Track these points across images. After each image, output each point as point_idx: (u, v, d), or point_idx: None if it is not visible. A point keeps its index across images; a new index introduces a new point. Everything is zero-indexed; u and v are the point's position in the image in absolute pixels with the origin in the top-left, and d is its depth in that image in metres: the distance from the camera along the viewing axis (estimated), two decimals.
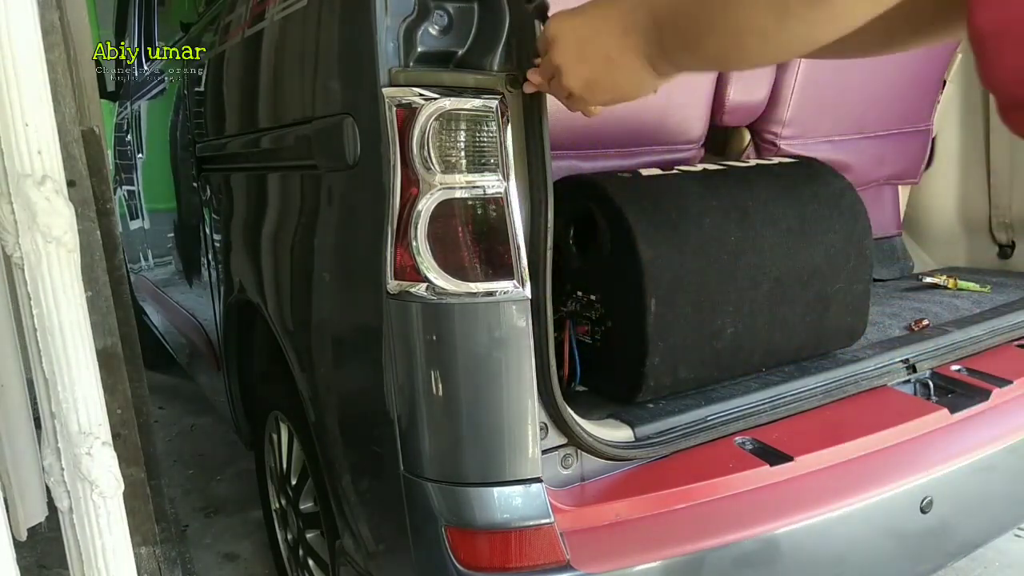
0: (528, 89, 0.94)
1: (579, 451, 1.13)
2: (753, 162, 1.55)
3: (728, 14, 0.60)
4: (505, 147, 0.96)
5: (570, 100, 0.88)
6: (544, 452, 1.07)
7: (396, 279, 0.98)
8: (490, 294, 0.97)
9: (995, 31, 0.52)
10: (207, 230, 1.88)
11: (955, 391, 1.44)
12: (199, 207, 1.91)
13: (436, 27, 0.95)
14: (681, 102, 1.59)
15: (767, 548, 1.12)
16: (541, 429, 1.04)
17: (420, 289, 0.96)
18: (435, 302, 0.96)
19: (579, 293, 1.34)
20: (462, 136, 0.94)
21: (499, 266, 0.97)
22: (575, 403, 1.12)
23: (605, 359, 1.32)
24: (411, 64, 0.95)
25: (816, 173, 1.50)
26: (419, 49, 0.95)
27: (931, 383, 1.47)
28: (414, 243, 0.95)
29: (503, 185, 0.96)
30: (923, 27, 0.78)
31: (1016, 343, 1.66)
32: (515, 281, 0.97)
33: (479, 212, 0.96)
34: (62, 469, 0.93)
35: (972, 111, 2.24)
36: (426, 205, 0.95)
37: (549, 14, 0.87)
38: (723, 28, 0.62)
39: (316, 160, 1.15)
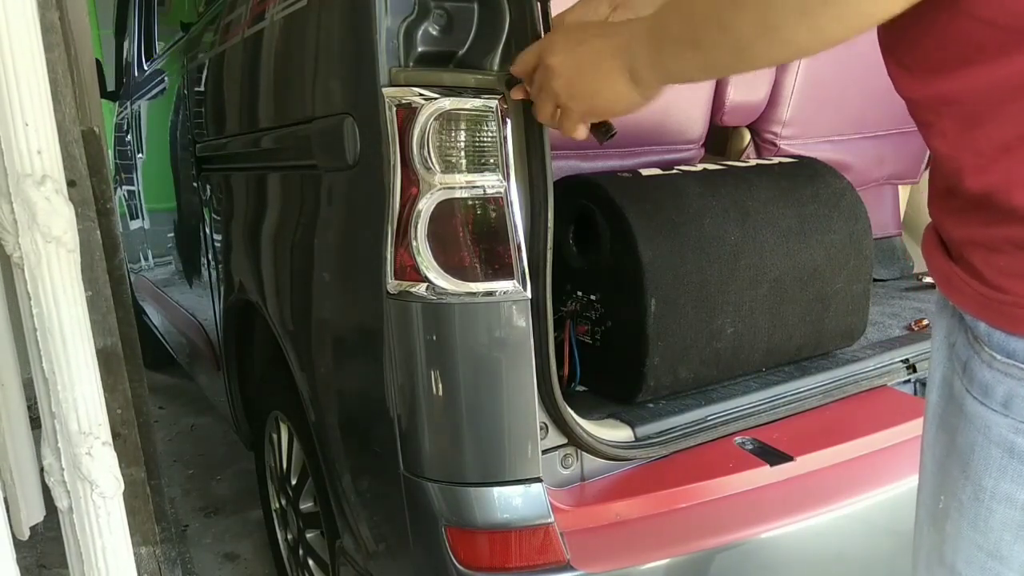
0: (516, 95, 0.92)
1: (579, 451, 1.13)
2: (753, 162, 1.55)
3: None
4: (505, 147, 0.96)
5: (552, 111, 0.85)
6: (544, 452, 1.07)
7: (396, 279, 0.98)
8: (490, 294, 0.97)
9: None
10: (207, 230, 1.88)
11: None
12: (199, 207, 1.91)
13: (436, 27, 0.95)
14: (681, 102, 1.59)
15: (767, 548, 1.12)
16: (541, 429, 1.04)
17: (420, 289, 0.96)
18: (435, 302, 0.96)
19: (579, 293, 1.34)
20: (462, 136, 0.94)
21: (499, 266, 0.97)
22: (575, 403, 1.12)
23: (605, 359, 1.32)
24: (411, 64, 0.95)
25: (816, 173, 1.50)
26: (419, 49, 0.95)
27: None
28: (414, 243, 0.95)
29: (503, 185, 0.96)
30: None
31: None
32: (515, 281, 0.97)
33: (479, 212, 0.96)
34: (62, 469, 0.93)
35: None
36: (426, 205, 0.95)
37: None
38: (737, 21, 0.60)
39: (316, 160, 1.15)
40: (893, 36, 0.59)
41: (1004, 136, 0.52)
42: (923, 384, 1.48)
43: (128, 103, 3.01)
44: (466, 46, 0.97)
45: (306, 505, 1.56)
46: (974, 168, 0.55)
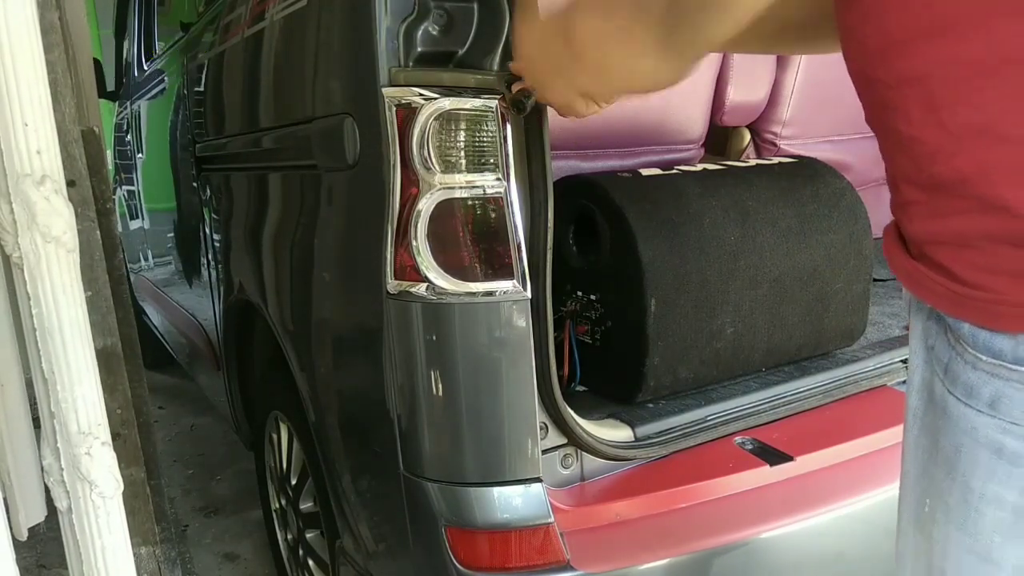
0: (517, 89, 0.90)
1: (579, 451, 1.13)
2: (753, 162, 1.55)
3: None
4: (505, 147, 0.96)
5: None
6: (544, 452, 1.06)
7: (396, 279, 0.98)
8: (490, 294, 0.97)
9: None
10: (207, 230, 1.88)
11: None
12: (199, 207, 1.91)
13: (436, 27, 0.95)
14: (681, 102, 1.59)
15: (767, 548, 1.12)
16: (541, 429, 1.04)
17: (420, 289, 0.96)
18: (435, 302, 0.96)
19: (579, 293, 1.34)
20: (462, 136, 0.94)
21: (499, 266, 0.97)
22: (575, 403, 1.12)
23: (605, 359, 1.32)
24: (411, 64, 0.95)
25: (816, 173, 1.50)
26: (419, 49, 0.95)
27: None
28: (414, 243, 0.95)
29: (503, 185, 0.96)
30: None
31: None
32: (515, 281, 0.97)
33: (479, 212, 0.96)
34: (61, 469, 0.93)
35: None
36: (426, 205, 0.95)
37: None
38: None
39: (316, 160, 1.15)
40: (850, 11, 0.57)
41: (978, 119, 0.49)
42: None
43: (128, 103, 3.01)
44: (466, 46, 0.97)
45: (306, 505, 1.56)
46: (944, 151, 0.52)
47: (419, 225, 0.95)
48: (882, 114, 0.58)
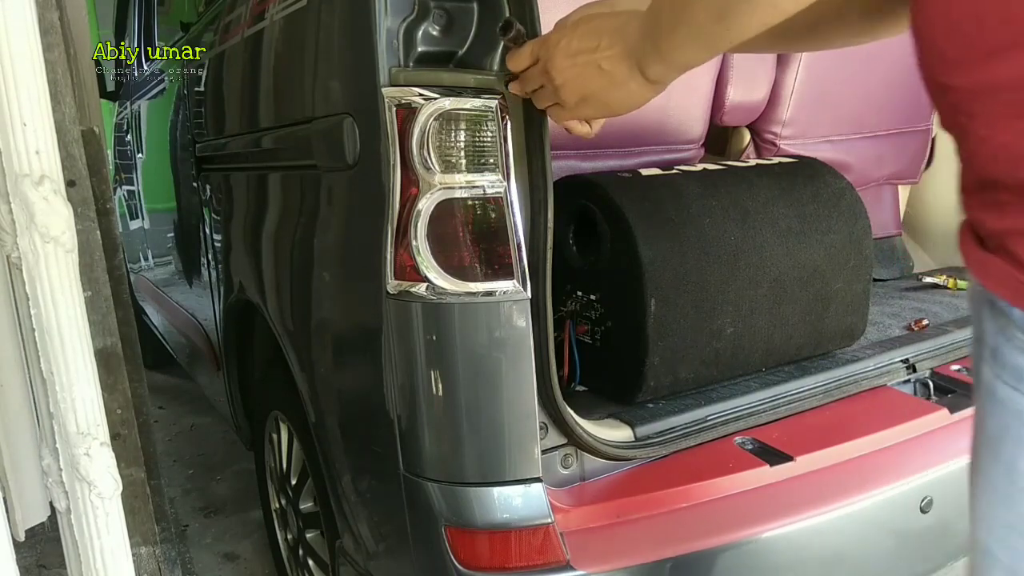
0: (515, 90, 0.93)
1: (579, 451, 1.13)
2: (753, 162, 1.55)
3: None
4: (505, 147, 0.96)
5: (555, 111, 0.90)
6: (544, 452, 1.06)
7: (396, 279, 0.98)
8: (490, 294, 0.97)
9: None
10: (207, 230, 1.88)
11: (955, 391, 1.44)
12: (199, 207, 1.91)
13: (436, 27, 0.95)
14: (681, 102, 1.59)
15: (767, 548, 1.12)
16: (541, 429, 1.04)
17: (420, 289, 0.96)
18: (435, 302, 0.96)
19: (579, 293, 1.34)
20: (462, 136, 0.94)
21: (499, 266, 0.97)
22: (575, 403, 1.12)
23: (605, 359, 1.32)
24: (411, 64, 0.95)
25: (816, 173, 1.50)
26: (419, 49, 0.95)
27: (931, 383, 1.47)
28: (414, 243, 0.95)
29: (503, 185, 0.96)
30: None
31: None
32: (515, 281, 0.97)
33: (479, 212, 0.96)
34: (60, 470, 0.93)
35: None
36: (426, 205, 0.94)
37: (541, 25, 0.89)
38: None
39: (316, 160, 1.15)
40: (927, 19, 0.58)
41: None
42: (923, 384, 1.48)
43: (128, 103, 3.01)
44: (466, 46, 0.97)
45: (306, 505, 1.56)
46: None
47: (419, 225, 0.95)
48: (959, 119, 0.59)
